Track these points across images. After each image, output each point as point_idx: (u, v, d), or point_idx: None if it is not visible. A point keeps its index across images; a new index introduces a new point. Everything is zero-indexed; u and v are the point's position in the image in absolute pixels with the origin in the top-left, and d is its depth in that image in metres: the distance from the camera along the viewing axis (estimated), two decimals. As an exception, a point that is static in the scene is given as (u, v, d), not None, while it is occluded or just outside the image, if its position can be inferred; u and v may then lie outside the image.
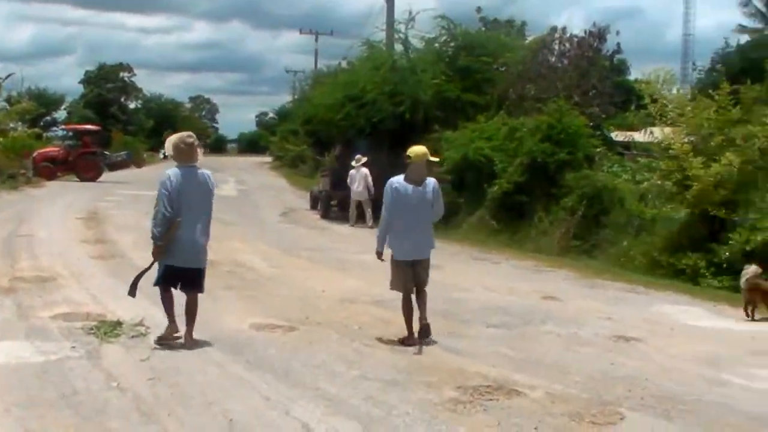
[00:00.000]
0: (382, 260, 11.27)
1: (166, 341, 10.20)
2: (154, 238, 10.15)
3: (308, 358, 9.79)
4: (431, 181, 11.11)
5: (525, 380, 9.07)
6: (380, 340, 10.97)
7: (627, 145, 30.85)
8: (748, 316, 13.82)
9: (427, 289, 11.16)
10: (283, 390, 8.49)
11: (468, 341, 11.07)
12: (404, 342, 10.78)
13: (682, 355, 10.85)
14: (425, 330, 10.80)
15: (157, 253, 10.21)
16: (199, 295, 10.60)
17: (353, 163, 27.56)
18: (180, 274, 10.32)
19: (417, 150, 11.05)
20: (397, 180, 11.00)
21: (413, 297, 11.05)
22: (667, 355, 10.84)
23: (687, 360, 10.60)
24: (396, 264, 11.05)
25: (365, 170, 26.92)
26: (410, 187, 10.88)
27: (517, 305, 13.84)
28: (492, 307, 13.51)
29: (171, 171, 10.19)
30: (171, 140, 10.41)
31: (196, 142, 10.59)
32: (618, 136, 31.94)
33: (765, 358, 11.11)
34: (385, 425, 7.50)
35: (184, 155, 10.31)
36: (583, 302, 14.56)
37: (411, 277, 11.01)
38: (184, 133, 10.60)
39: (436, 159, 13.07)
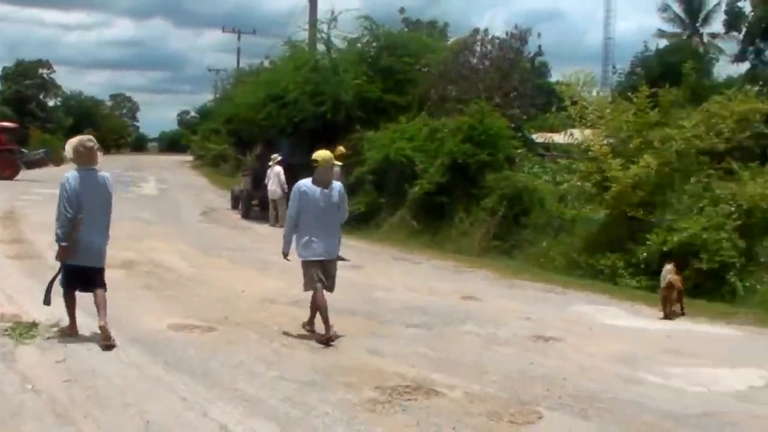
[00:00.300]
0: (288, 260, 11.47)
1: (64, 335, 10.36)
2: (58, 239, 10.26)
3: (227, 359, 9.70)
4: (337, 185, 11.42)
5: (444, 380, 9.08)
6: (301, 337, 10.94)
7: (547, 147, 31.15)
8: (665, 313, 14.08)
9: (348, 288, 11.18)
10: (201, 391, 8.39)
11: (388, 341, 11.05)
12: (322, 339, 10.89)
13: (600, 354, 10.96)
14: (327, 340, 10.89)
15: (63, 254, 10.29)
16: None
17: (270, 163, 27.49)
18: (80, 273, 10.37)
19: (323, 154, 11.34)
20: (305, 183, 11.25)
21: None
22: (584, 354, 10.93)
23: (604, 359, 10.71)
24: (306, 265, 11.18)
25: (278, 168, 26.85)
26: (318, 189, 11.13)
27: (437, 305, 13.87)
28: (412, 308, 13.51)
29: (70, 174, 10.34)
30: (71, 143, 10.51)
31: (96, 146, 10.63)
32: (539, 137, 32.19)
33: (680, 356, 11.28)
34: (303, 426, 7.46)
35: (83, 158, 10.41)
36: (503, 302, 14.64)
37: (322, 275, 11.16)
38: (85, 137, 10.74)
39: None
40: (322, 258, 11.16)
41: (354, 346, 10.67)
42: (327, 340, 10.75)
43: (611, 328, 13.03)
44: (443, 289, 15.75)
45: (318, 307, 11.04)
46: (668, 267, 14.55)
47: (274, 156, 27.46)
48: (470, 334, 11.74)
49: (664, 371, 10.29)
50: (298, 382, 8.80)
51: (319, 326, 11.04)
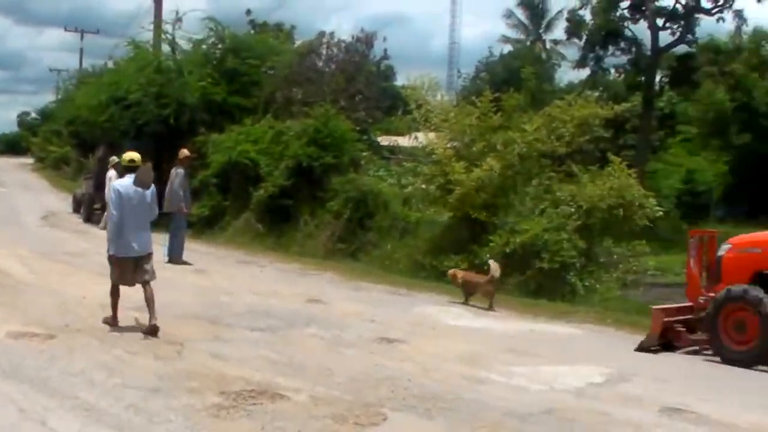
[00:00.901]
0: None
1: None
2: None
3: (67, 367, 9.40)
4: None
5: (289, 384, 9.00)
6: (144, 342, 10.75)
7: (393, 150, 31.38)
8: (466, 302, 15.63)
9: (192, 292, 11.01)
10: (40, 400, 8.09)
11: (232, 345, 10.92)
12: (108, 322, 11.66)
13: (443, 354, 11.07)
14: (152, 330, 11.15)
15: None
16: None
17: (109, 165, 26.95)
18: None
19: (133, 155, 11.91)
20: (121, 182, 11.81)
21: (144, 296, 11.62)
22: (428, 355, 11.03)
23: (448, 359, 10.82)
24: (115, 260, 11.62)
25: (111, 172, 26.29)
26: (132, 189, 11.52)
27: (282, 309, 13.80)
28: (257, 311, 13.40)
29: None
30: None
31: None
32: (385, 141, 32.44)
33: (522, 355, 11.52)
34: (145, 433, 7.29)
35: None
36: (348, 305, 14.67)
37: (131, 272, 11.68)
38: None
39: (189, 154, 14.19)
40: (134, 255, 11.58)
41: (198, 350, 10.50)
42: (153, 329, 11.11)
43: (455, 328, 13.20)
44: (288, 292, 15.68)
45: (112, 297, 11.74)
46: (494, 264, 15.45)
47: (111, 158, 26.83)
48: (315, 337, 11.71)
49: (507, 370, 10.47)
50: (141, 389, 8.58)
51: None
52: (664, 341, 12.79)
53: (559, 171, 20.20)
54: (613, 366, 11.15)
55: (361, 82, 30.31)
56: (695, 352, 12.63)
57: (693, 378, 11.15)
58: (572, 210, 18.08)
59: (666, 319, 12.77)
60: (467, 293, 15.91)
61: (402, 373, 9.78)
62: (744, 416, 9.03)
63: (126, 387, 8.66)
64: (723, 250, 13.06)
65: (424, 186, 21.24)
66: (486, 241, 18.15)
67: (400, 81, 50.21)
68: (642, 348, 12.60)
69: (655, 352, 12.59)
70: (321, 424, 7.68)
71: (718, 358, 12.16)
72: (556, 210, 18.36)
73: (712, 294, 12.67)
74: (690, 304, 13.30)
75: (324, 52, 30.83)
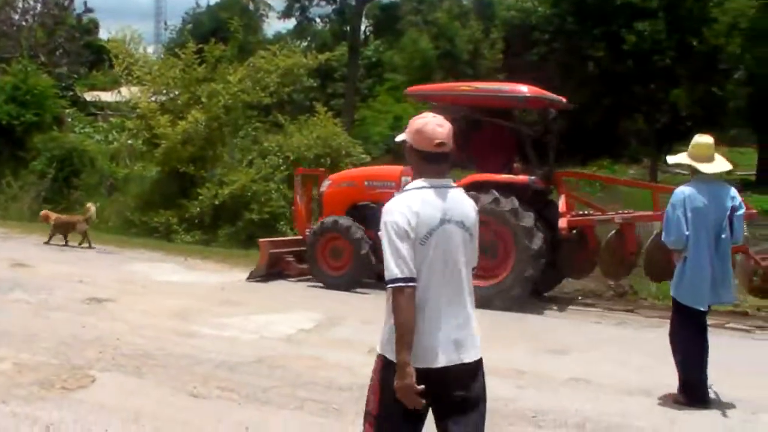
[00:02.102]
0: None
1: None
2: None
3: None
4: None
5: (-9, 353, 8.68)
6: None
7: (101, 106, 30.56)
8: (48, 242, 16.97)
9: None
10: None
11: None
12: None
13: (154, 311, 10.98)
14: None
15: None
16: None
17: None
18: None
19: None
20: None
21: None
22: (139, 312, 10.91)
23: (158, 316, 10.75)
24: None
25: None
26: None
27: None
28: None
29: None
30: None
31: None
32: (90, 96, 31.51)
33: (233, 306, 11.64)
34: None
35: None
36: (55, 267, 14.23)
37: None
38: None
39: None
40: None
41: None
42: None
43: (166, 284, 13.12)
44: (-10, 258, 15.00)
45: None
46: (90, 205, 17.31)
47: None
48: (20, 302, 11.29)
49: (219, 322, 10.56)
50: None
51: None
52: (276, 270, 14.07)
53: (266, 122, 20.36)
54: (323, 312, 11.47)
55: (62, 37, 29.27)
56: (308, 280, 13.76)
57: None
58: (280, 161, 18.26)
59: (273, 251, 14.05)
60: (63, 233, 17.00)
61: (111, 333, 9.61)
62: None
63: None
64: (324, 185, 14.60)
65: (131, 141, 20.86)
66: (195, 195, 18.08)
67: (104, 35, 48.79)
68: (251, 277, 13.75)
69: (264, 280, 13.85)
70: (26, 392, 7.43)
71: (321, 284, 13.52)
72: (264, 160, 18.50)
73: None
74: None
75: (20, 4, 29.51)
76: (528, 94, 13.35)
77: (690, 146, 7.92)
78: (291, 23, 52.59)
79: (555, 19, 46.56)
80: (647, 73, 43.12)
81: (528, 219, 12.26)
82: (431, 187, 4.53)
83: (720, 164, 7.85)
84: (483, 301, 10.68)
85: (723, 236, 7.74)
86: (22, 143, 22.72)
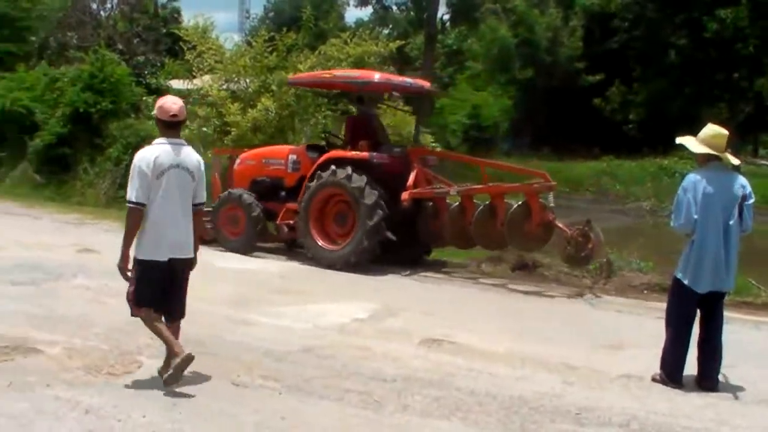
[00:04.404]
0: None
1: None
2: None
3: None
4: None
5: (45, 337, 8.78)
6: None
7: (185, 94, 30.83)
8: None
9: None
10: None
11: (-10, 302, 10.55)
12: None
13: (211, 298, 10.96)
14: None
15: None
16: None
17: None
18: None
19: None
20: None
21: None
22: (196, 299, 10.83)
23: (215, 303, 10.75)
24: None
25: None
26: None
27: (51, 261, 13.34)
28: (24, 265, 12.86)
29: None
30: None
31: None
32: (178, 84, 31.80)
33: (291, 295, 11.66)
34: None
35: None
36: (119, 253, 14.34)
37: None
38: None
39: None
40: None
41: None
42: None
43: (227, 271, 13.15)
44: (60, 243, 15.18)
45: None
46: None
47: None
48: (80, 288, 11.43)
49: (275, 311, 10.61)
50: None
51: None
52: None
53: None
54: (383, 301, 11.46)
55: (140, 26, 29.62)
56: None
57: (459, 309, 11.55)
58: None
59: None
60: None
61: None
62: (501, 343, 9.42)
63: None
64: (236, 163, 16.49)
65: (205, 129, 21.03)
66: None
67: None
68: None
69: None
70: (72, 376, 7.54)
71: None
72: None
73: None
74: None
75: (98, -7, 29.97)
76: (370, 80, 15.05)
77: (709, 136, 8.01)
78: (369, 11, 52.49)
79: (635, 6, 45.89)
80: (730, 62, 42.30)
81: (371, 197, 13.80)
82: (168, 143, 7.41)
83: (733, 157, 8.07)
84: (327, 263, 14.07)
85: (731, 223, 7.84)
86: (99, 130, 23.01)
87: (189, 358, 7.29)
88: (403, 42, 25.09)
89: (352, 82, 15.55)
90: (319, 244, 14.39)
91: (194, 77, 22.74)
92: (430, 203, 14.58)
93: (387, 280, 13.48)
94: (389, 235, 14.01)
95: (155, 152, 7.31)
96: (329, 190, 14.38)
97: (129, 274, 7.54)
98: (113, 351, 8.35)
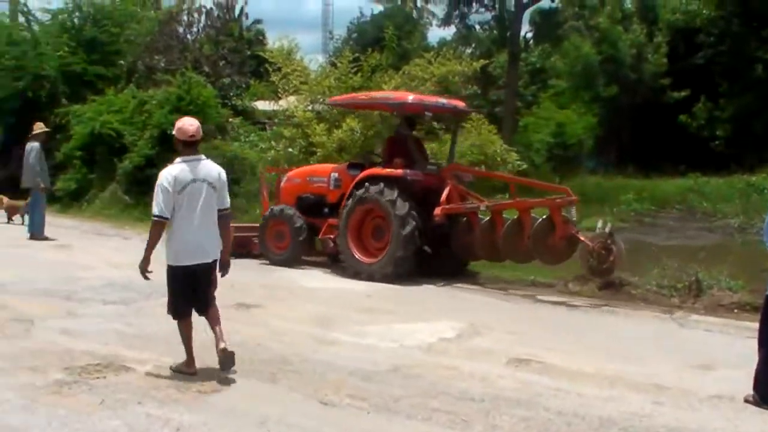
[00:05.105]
0: None
1: None
2: None
3: None
4: None
5: (135, 355, 8.94)
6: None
7: (270, 116, 31.17)
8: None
9: (50, 269, 10.83)
10: None
11: (83, 321, 10.74)
12: None
13: (297, 317, 11.12)
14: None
15: None
16: None
17: None
18: None
19: None
20: None
21: None
22: (282, 318, 11.07)
23: (301, 322, 10.88)
24: None
25: None
26: None
27: (140, 280, 13.37)
28: (115, 284, 13.12)
29: None
30: None
31: None
32: (263, 105, 32.14)
33: (376, 315, 11.68)
34: (-21, 416, 7.12)
35: None
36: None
37: None
38: None
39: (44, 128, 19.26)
40: None
41: (47, 328, 10.27)
42: None
43: (312, 290, 13.29)
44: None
45: None
46: None
47: None
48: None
49: (360, 330, 10.61)
50: (-20, 372, 8.39)
51: None
52: (244, 251, 16.26)
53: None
54: (470, 321, 11.37)
55: (225, 48, 30.02)
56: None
57: (546, 329, 11.44)
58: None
59: (236, 235, 15.30)
60: (10, 215, 21.93)
61: (252, 338, 9.78)
62: (589, 363, 9.30)
63: (-36, 370, 8.43)
64: (282, 181, 17.29)
65: (290, 149, 21.20)
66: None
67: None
68: None
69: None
70: (163, 394, 7.64)
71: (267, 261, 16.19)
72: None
73: None
74: None
75: (185, 18, 30.41)
76: (404, 101, 15.72)
77: None
78: (452, 30, 52.36)
79: (720, 21, 45.08)
80: (821, 77, 41.38)
81: (402, 208, 14.41)
82: (187, 161, 8.23)
83: None
84: (366, 276, 14.62)
85: None
86: (186, 152, 23.28)
87: (190, 373, 8.31)
88: (487, 61, 25.01)
89: (387, 103, 16.57)
90: (357, 257, 14.96)
91: (279, 98, 22.98)
92: (464, 218, 15.07)
93: (472, 300, 13.44)
94: (425, 248, 14.90)
95: (175, 170, 8.21)
96: (365, 206, 15.01)
97: (148, 274, 8.59)
98: (202, 370, 8.42)
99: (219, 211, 8.45)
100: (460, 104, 16.89)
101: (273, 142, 22.55)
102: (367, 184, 14.95)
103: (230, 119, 26.11)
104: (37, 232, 18.92)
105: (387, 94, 17.51)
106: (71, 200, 25.65)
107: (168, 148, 23.22)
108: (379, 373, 8.58)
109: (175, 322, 8.64)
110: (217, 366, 8.34)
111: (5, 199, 22.52)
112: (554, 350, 9.85)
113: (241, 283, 13.37)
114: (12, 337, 9.84)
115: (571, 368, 9.07)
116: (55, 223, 20.67)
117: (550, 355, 9.55)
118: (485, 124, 20.73)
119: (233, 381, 8.11)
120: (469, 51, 52.51)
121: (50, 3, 31.39)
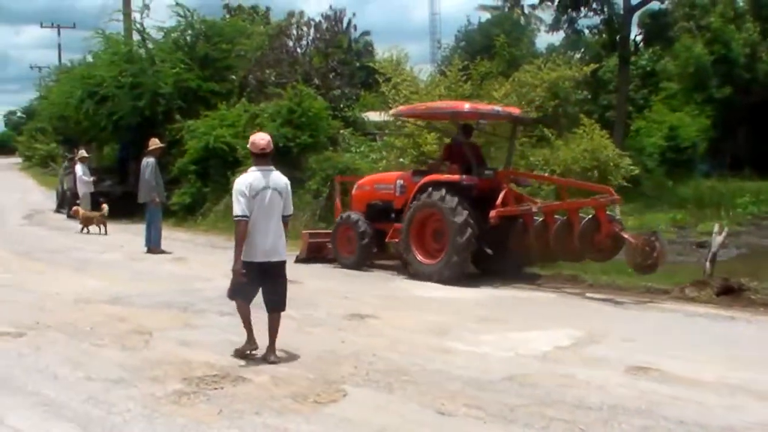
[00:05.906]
0: None
1: None
2: None
3: (32, 364, 9.36)
4: None
5: (252, 366, 9.04)
6: (112, 334, 10.69)
7: (381, 126, 31.34)
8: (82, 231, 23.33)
9: (167, 281, 11.00)
10: (1, 399, 8.09)
11: (200, 331, 10.95)
12: None
13: (412, 327, 11.11)
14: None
15: None
16: None
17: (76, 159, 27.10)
18: None
19: None
20: None
21: None
22: (397, 328, 11.07)
23: (416, 332, 10.86)
24: None
25: (77, 166, 26.30)
26: None
27: (256, 291, 13.71)
28: (228, 295, 13.32)
29: None
30: None
31: None
32: (375, 116, 32.32)
33: (492, 323, 11.57)
34: (103, 424, 7.26)
35: None
36: (321, 283, 14.71)
37: None
38: None
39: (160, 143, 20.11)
40: None
41: (166, 339, 10.49)
42: None
43: (427, 300, 13.26)
44: (264, 274, 15.60)
45: None
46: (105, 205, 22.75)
47: (80, 153, 26.86)
48: (285, 318, 11.57)
49: (476, 339, 10.55)
50: (104, 381, 8.57)
51: None
52: (320, 255, 17.76)
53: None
54: (584, 328, 11.24)
55: (335, 60, 30.27)
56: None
57: (663, 335, 11.21)
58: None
59: (311, 240, 17.89)
60: (85, 225, 23.62)
61: (368, 348, 9.80)
62: (709, 370, 9.09)
63: (88, 380, 8.63)
64: (354, 189, 18.04)
65: (401, 159, 21.24)
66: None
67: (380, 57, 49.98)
68: (298, 260, 17.05)
69: (307, 262, 17.36)
70: (280, 404, 7.70)
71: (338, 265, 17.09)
72: (530, 175, 18.42)
73: None
74: None
75: (294, 32, 30.76)
76: (459, 110, 16.12)
77: None
78: (560, 36, 51.85)
79: (838, 15, 43.97)
80: None
81: (460, 216, 14.83)
82: (259, 171, 9.21)
83: None
84: (425, 277, 15.20)
85: None
86: (298, 164, 23.56)
87: (252, 350, 9.46)
88: (597, 65, 24.75)
89: (444, 112, 16.86)
90: (418, 259, 15.53)
91: (390, 108, 23.06)
92: (521, 220, 15.27)
93: (585, 306, 13.28)
94: (487, 249, 15.35)
95: (250, 178, 9.19)
96: (426, 210, 15.54)
97: (243, 278, 9.25)
98: (319, 379, 8.48)
99: (283, 217, 9.42)
100: (515, 111, 17.19)
101: (384, 152, 22.63)
102: (430, 189, 15.46)
103: (341, 130, 26.24)
104: (154, 246, 19.32)
105: (442, 103, 17.94)
106: (186, 214, 26.07)
107: (280, 160, 23.65)
108: (495, 382, 8.52)
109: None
110: (336, 376, 8.38)
111: (81, 210, 24.15)
112: (673, 358, 9.65)
113: (355, 293, 13.52)
114: (132, 349, 10.05)
115: (691, 376, 8.88)
116: (171, 236, 21.09)
117: (669, 363, 9.35)
118: (597, 129, 20.43)
119: (348, 392, 8.12)
120: (578, 56, 51.94)
121: (164, 22, 31.50)
